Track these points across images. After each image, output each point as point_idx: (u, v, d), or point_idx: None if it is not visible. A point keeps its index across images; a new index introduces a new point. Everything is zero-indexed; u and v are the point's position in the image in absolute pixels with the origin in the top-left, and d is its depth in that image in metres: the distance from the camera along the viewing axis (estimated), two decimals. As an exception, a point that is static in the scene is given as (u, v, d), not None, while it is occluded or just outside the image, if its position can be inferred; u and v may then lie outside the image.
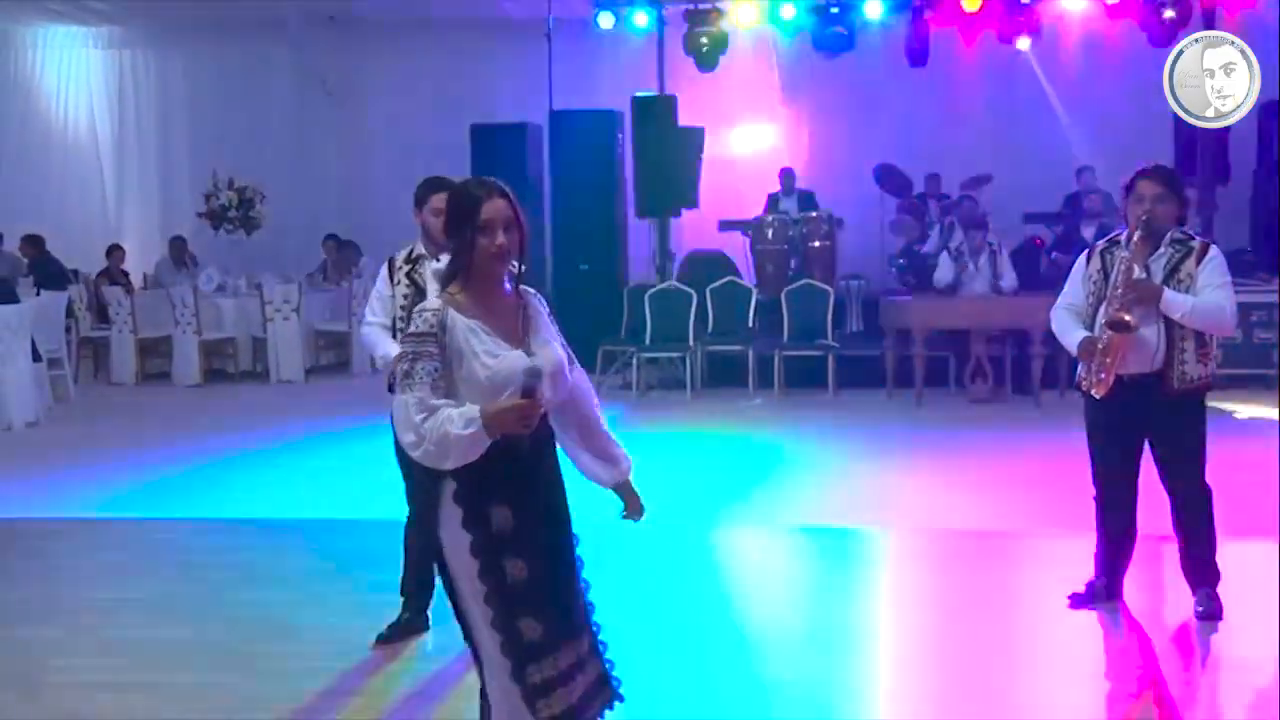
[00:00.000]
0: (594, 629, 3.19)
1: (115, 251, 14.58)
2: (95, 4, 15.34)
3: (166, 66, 16.86)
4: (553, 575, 3.08)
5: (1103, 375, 4.94)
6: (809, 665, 4.87)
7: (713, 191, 14.03)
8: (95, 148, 17.05)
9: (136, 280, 14.87)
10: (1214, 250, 5.03)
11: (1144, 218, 4.93)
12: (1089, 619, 5.17)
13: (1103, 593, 5.25)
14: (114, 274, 14.24)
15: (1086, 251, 5.24)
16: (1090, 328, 5.06)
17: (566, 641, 3.06)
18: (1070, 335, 5.13)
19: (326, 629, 5.25)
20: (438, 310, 3.02)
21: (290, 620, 5.41)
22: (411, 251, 5.09)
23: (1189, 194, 5.26)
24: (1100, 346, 4.96)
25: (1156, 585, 5.34)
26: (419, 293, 4.96)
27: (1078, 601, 5.27)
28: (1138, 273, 4.93)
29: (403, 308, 5.02)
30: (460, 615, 3.11)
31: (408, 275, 5.05)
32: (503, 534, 3.00)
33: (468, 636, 3.12)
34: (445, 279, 3.11)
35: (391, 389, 5.08)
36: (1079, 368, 5.13)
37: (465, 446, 2.93)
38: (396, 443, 5.05)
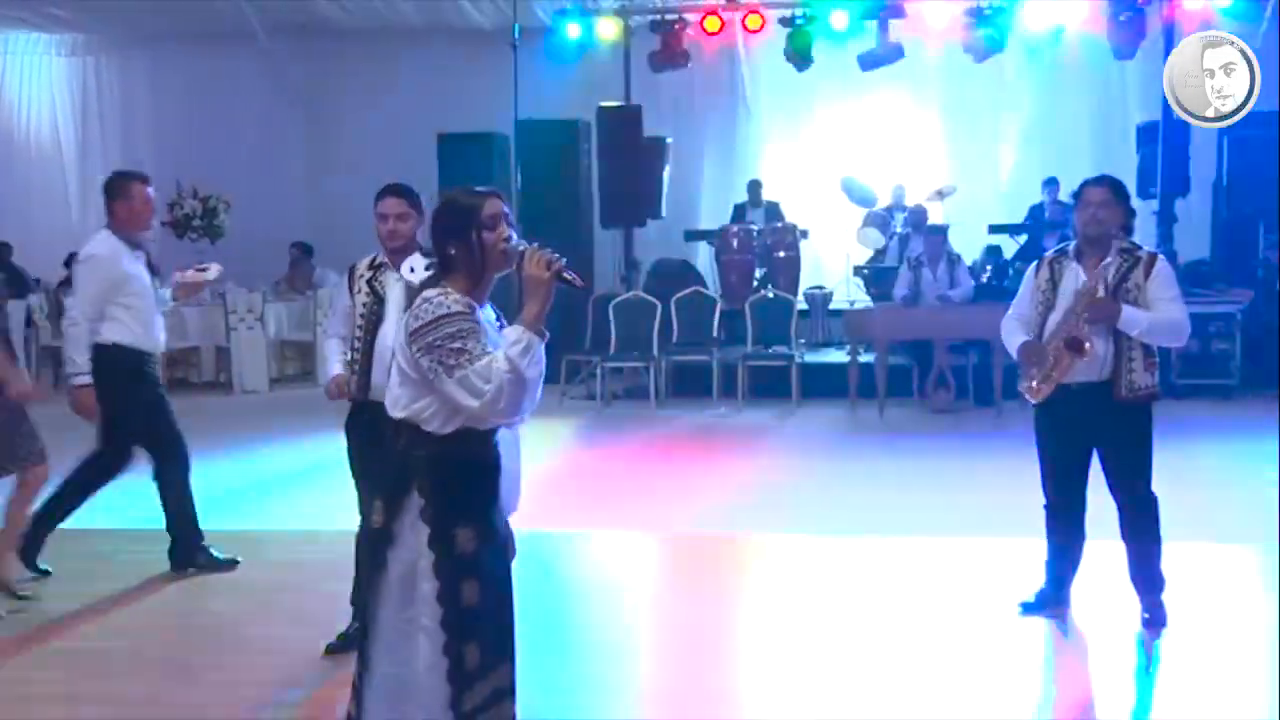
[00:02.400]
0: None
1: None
2: (58, 11, 15.25)
3: (131, 74, 16.77)
4: (500, 596, 3.01)
5: (1043, 385, 5.02)
6: (762, 669, 4.89)
7: (678, 202, 14.10)
8: (58, 155, 16.94)
9: (99, 289, 14.75)
10: (1161, 262, 5.09)
11: (1089, 223, 5.00)
12: (1038, 625, 5.22)
13: (1052, 600, 5.30)
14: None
15: (1036, 263, 5.32)
16: (1039, 338, 5.13)
17: (500, 663, 3.00)
18: (1013, 339, 5.22)
19: (277, 639, 5.23)
20: (454, 294, 2.91)
21: (241, 630, 5.39)
22: (374, 259, 5.02)
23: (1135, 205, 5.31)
24: (1051, 360, 5.03)
25: (1104, 592, 5.38)
26: (379, 301, 4.88)
27: (1028, 608, 5.33)
28: (1101, 293, 4.98)
29: (362, 316, 4.95)
30: (370, 636, 2.98)
31: (368, 283, 4.96)
32: (464, 555, 2.90)
33: (366, 665, 2.99)
34: (434, 281, 3.00)
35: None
36: (1020, 372, 5.20)
37: (533, 359, 2.84)
38: (351, 452, 5.07)
